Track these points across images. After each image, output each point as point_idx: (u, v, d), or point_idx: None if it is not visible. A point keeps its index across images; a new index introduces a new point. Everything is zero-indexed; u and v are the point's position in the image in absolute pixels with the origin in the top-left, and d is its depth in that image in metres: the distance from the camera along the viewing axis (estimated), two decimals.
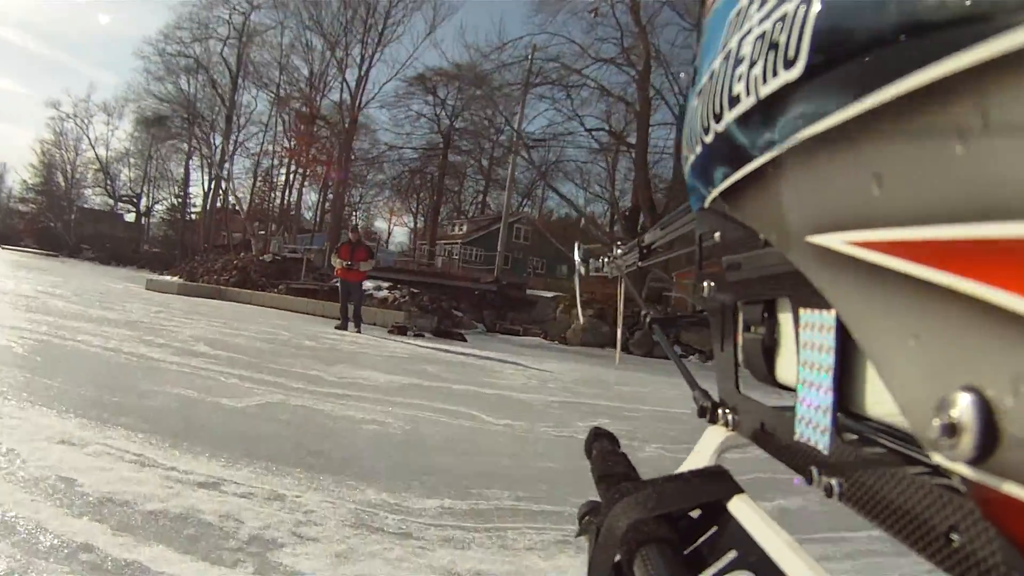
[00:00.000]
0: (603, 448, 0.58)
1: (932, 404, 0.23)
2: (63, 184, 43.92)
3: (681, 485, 0.45)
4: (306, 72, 29.59)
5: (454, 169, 32.83)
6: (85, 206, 44.25)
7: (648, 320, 0.93)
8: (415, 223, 40.15)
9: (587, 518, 0.50)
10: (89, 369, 4.13)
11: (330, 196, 29.14)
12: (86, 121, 41.41)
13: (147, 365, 4.52)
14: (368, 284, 16.12)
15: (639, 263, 1.12)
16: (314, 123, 28.45)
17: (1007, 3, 0.18)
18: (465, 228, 35.06)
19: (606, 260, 1.31)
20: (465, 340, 11.34)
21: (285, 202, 30.56)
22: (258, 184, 33.46)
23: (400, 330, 10.73)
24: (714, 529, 0.44)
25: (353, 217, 38.87)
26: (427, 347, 9.04)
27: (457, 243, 33.09)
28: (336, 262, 9.63)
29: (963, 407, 0.21)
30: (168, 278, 18.58)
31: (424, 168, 32.65)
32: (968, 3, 0.20)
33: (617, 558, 0.42)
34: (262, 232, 29.55)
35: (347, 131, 26.62)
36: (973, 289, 0.20)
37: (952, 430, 0.21)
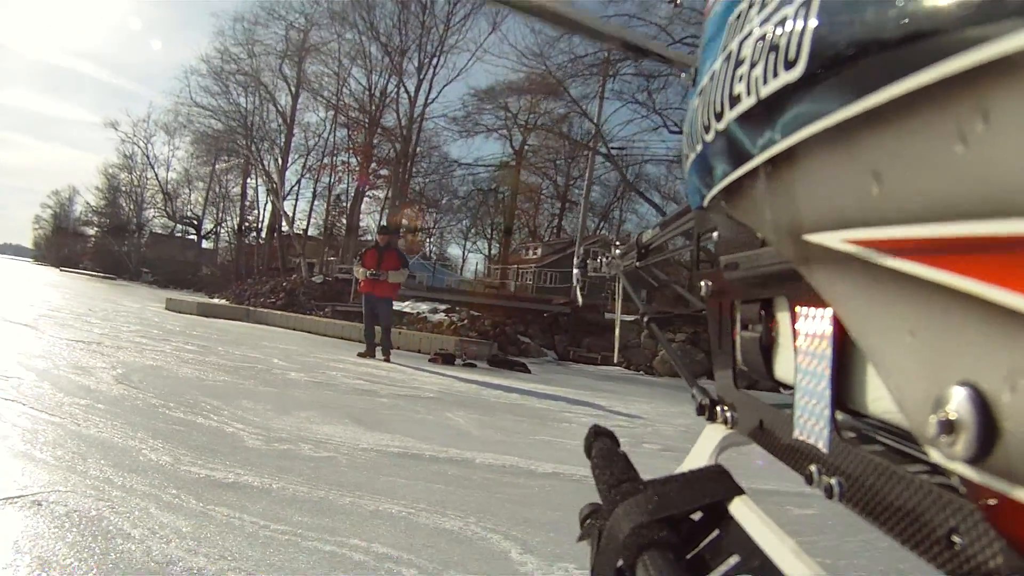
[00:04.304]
0: (603, 447, 0.55)
1: (929, 401, 0.23)
2: (127, 207, 44.55)
3: (682, 486, 0.45)
4: (364, 82, 27.99)
5: (527, 188, 30.94)
6: (156, 231, 44.70)
7: (645, 319, 0.89)
8: (489, 248, 38.51)
9: (589, 521, 0.49)
10: None
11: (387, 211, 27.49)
12: (146, 141, 41.81)
13: None
14: (423, 307, 14.23)
15: (637, 263, 1.08)
16: (374, 134, 27.09)
17: (1006, 5, 0.18)
18: (540, 252, 32.91)
19: (604, 260, 1.24)
20: (528, 371, 9.01)
21: (353, 222, 29.14)
22: (321, 204, 32.30)
23: (445, 359, 8.54)
24: (716, 532, 0.43)
25: (427, 245, 37.46)
26: (472, 381, 6.78)
27: (532, 267, 30.93)
28: (359, 272, 7.59)
29: (960, 403, 0.21)
30: (201, 299, 17.29)
31: (496, 187, 31.09)
32: (967, 5, 0.20)
33: (620, 563, 0.41)
34: (332, 257, 28.39)
35: (406, 138, 25.26)
36: (969, 286, 0.21)
37: (950, 427, 0.21)
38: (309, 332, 11.31)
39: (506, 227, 30.33)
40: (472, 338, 10.98)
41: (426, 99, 26.68)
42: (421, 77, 26.22)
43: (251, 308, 13.51)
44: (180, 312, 12.19)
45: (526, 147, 28.61)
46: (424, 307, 13.99)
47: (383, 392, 5.11)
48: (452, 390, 5.85)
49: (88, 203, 47.84)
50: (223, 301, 19.99)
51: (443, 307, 14.06)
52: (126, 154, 42.58)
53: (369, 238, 29.64)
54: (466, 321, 12.77)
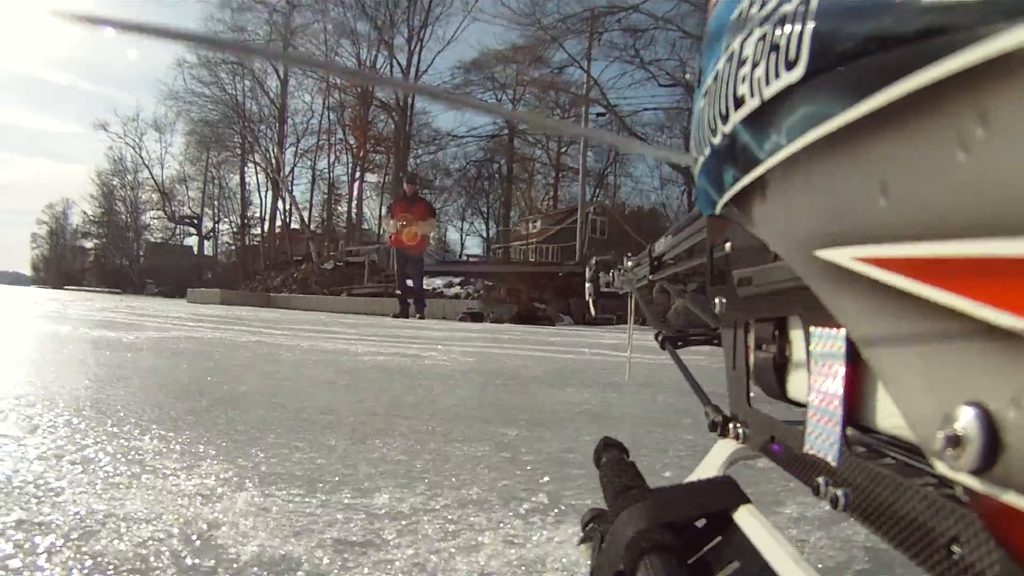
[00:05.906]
0: (612, 458, 0.56)
1: (937, 418, 0.23)
2: (123, 212, 42.62)
3: (687, 494, 0.45)
4: (354, 59, 27.43)
5: (520, 157, 30.95)
6: (153, 240, 42.66)
7: (659, 338, 0.87)
8: (487, 228, 38.54)
9: (591, 525, 0.49)
10: None
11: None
12: (137, 140, 40.64)
13: None
14: (438, 282, 14.52)
15: (650, 276, 1.02)
16: (368, 109, 26.94)
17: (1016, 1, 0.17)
18: (539, 225, 33.00)
19: (616, 273, 1.20)
20: (553, 324, 9.33)
21: (352, 214, 29.17)
22: (322, 195, 32.16)
23: (474, 317, 8.88)
24: (718, 539, 0.43)
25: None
26: (509, 327, 7.09)
27: (532, 242, 31.01)
28: (391, 225, 7.82)
29: (966, 420, 0.22)
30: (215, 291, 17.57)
31: (491, 158, 31.02)
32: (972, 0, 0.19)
33: (620, 567, 0.41)
34: (334, 252, 28.60)
35: (402, 108, 25.33)
36: (974, 309, 0.21)
37: (956, 441, 0.22)
38: (332, 311, 11.63)
39: (504, 200, 30.40)
40: (492, 302, 11.30)
41: (416, 72, 26.81)
42: (412, 48, 26.26)
43: (272, 295, 13.80)
44: (203, 302, 12.55)
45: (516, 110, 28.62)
46: (439, 282, 14.30)
47: (434, 334, 5.41)
48: (493, 329, 6.16)
49: (85, 212, 47.10)
50: None
51: (457, 280, 14.38)
52: (115, 158, 41.91)
53: (367, 227, 29.83)
54: (481, 292, 13.07)
